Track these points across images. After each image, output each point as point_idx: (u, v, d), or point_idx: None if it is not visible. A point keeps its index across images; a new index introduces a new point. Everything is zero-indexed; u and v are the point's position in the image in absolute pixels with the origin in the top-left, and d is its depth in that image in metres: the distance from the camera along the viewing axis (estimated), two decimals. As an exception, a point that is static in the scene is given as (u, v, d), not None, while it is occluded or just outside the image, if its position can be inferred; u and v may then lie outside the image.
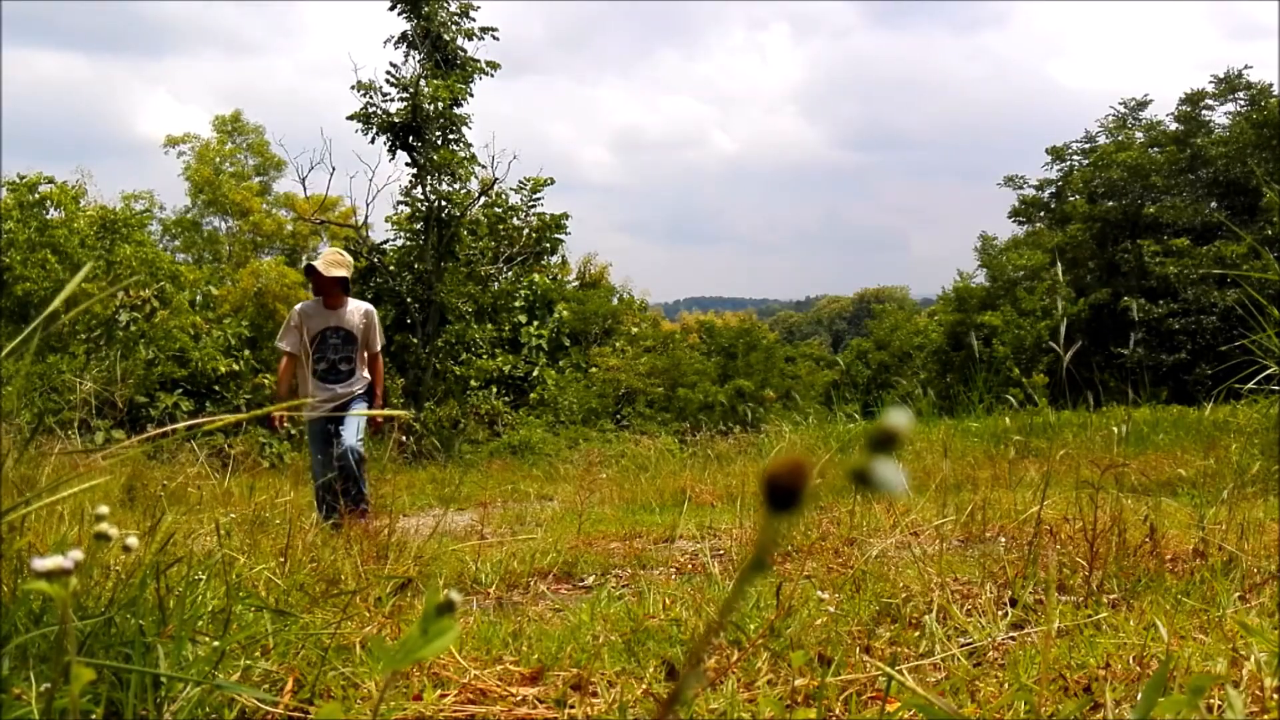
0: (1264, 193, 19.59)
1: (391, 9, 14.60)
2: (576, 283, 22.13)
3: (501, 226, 15.85)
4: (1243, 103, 22.73)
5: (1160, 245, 20.72)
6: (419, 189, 14.40)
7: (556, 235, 17.08)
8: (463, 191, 14.64)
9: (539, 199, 16.48)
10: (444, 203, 14.29)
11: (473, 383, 15.09)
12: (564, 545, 3.38)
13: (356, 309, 5.09)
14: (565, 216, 17.02)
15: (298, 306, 5.14)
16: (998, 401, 8.82)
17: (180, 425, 1.21)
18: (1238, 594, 1.71)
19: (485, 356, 15.54)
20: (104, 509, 0.78)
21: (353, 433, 4.80)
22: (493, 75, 14.72)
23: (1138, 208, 22.43)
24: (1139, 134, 24.00)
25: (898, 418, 0.36)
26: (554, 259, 18.83)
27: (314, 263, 5.13)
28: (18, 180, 13.24)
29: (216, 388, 13.36)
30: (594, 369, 17.69)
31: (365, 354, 5.12)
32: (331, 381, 4.99)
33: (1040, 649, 1.33)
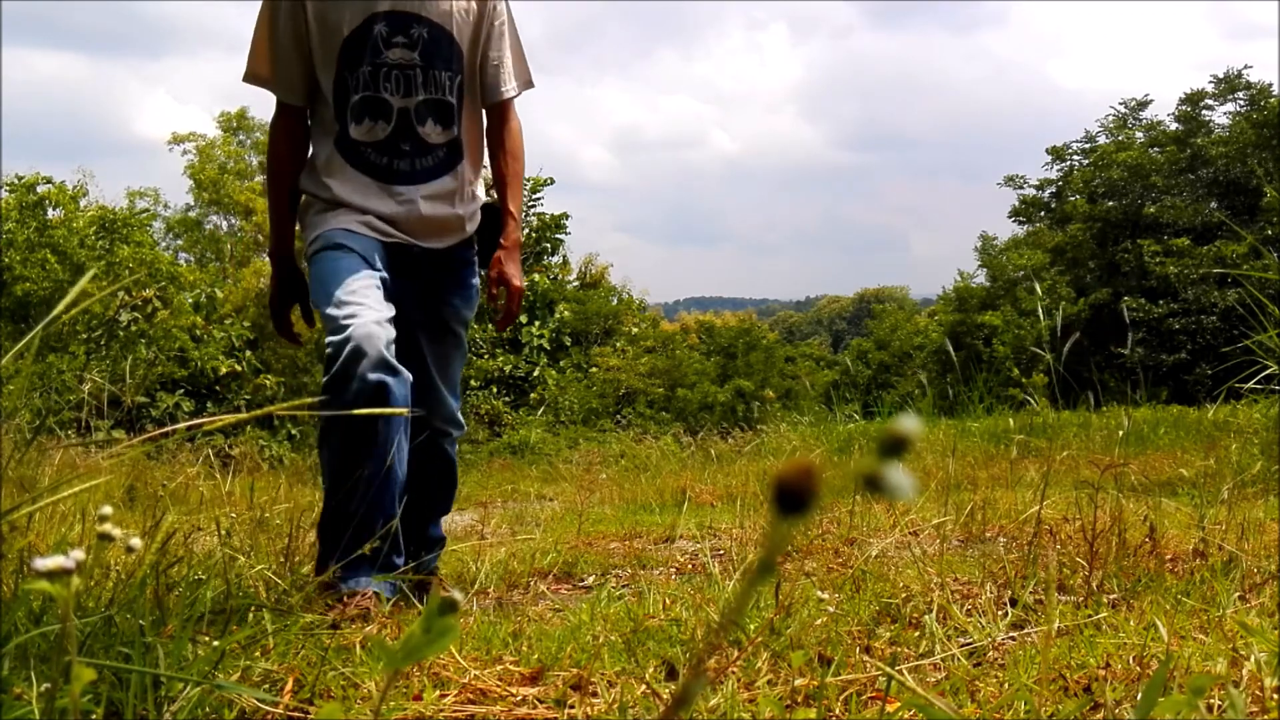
0: (1264, 192, 19.59)
1: (392, 9, 14.58)
2: (577, 283, 22.13)
3: (502, 226, 15.85)
4: (1243, 103, 22.73)
5: (1160, 245, 20.72)
6: (419, 189, 14.40)
7: (557, 235, 17.11)
8: (463, 191, 14.63)
9: (539, 199, 16.49)
10: (444, 203, 14.29)
11: (473, 383, 15.09)
12: (564, 545, 3.38)
13: None
14: (565, 216, 17.06)
15: None
16: (998, 401, 8.83)
17: (181, 426, 1.21)
18: (1238, 594, 1.71)
19: (485, 356, 15.54)
20: (107, 509, 0.78)
21: (454, 380, 2.38)
22: (493, 75, 14.69)
23: (1138, 208, 22.43)
24: (1139, 134, 24.00)
25: (908, 423, 0.36)
26: (554, 259, 18.85)
27: None
28: (16, 181, 13.25)
29: (218, 388, 13.37)
30: (594, 369, 17.69)
31: (478, 100, 2.27)
32: (399, 179, 2.17)
33: (1040, 649, 1.33)
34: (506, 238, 2.31)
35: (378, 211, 2.17)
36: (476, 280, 2.39)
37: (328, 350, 1.92)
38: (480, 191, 2.37)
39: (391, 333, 1.96)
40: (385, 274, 2.11)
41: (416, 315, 2.26)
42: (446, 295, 2.32)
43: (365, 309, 1.96)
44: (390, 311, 2.02)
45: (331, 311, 1.98)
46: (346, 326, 1.91)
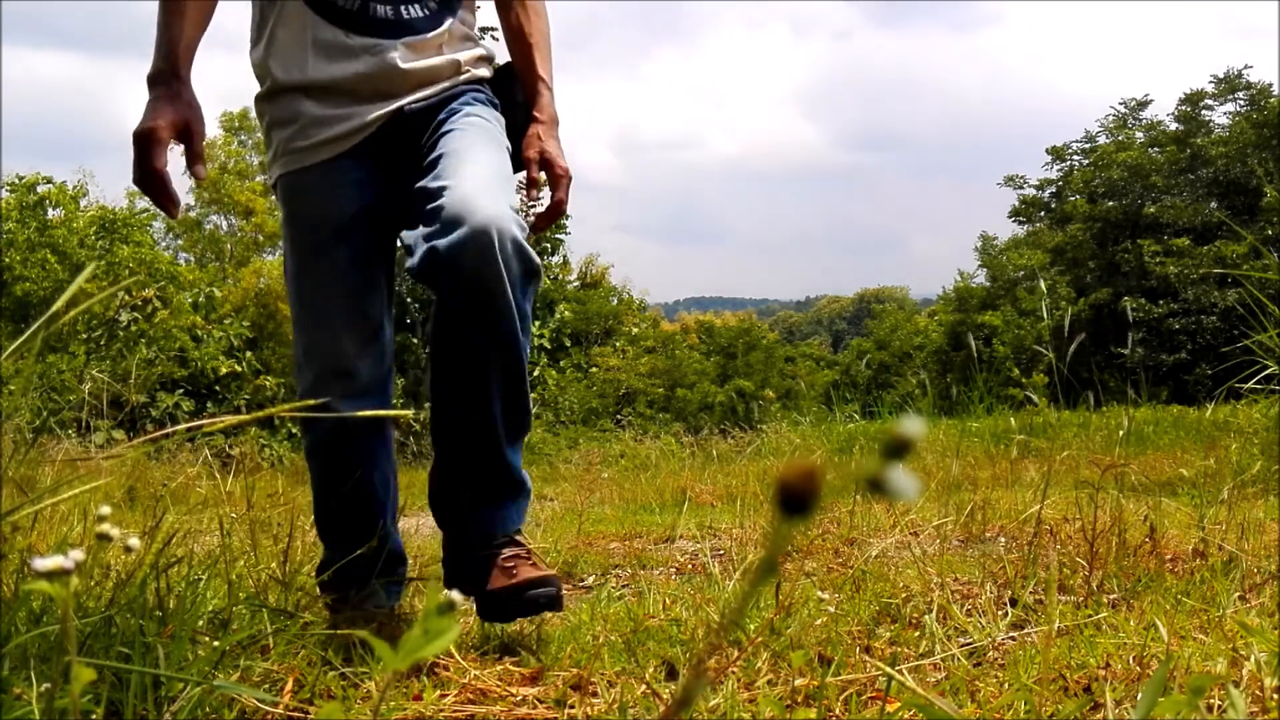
0: (1264, 192, 19.61)
1: (392, 9, 14.58)
2: (577, 283, 22.12)
3: (502, 226, 15.87)
4: (1243, 103, 22.75)
5: (1160, 245, 20.73)
6: (419, 189, 14.39)
7: (557, 235, 17.11)
8: (463, 191, 14.61)
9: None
10: (444, 203, 14.28)
11: (473, 383, 15.07)
12: (564, 545, 3.38)
13: None
14: (565, 216, 17.03)
15: None
16: (999, 401, 8.84)
17: (181, 427, 1.21)
18: (1238, 594, 1.71)
19: (485, 356, 15.53)
20: (106, 509, 0.78)
21: (484, 163, 1.59)
22: (493, 75, 14.70)
23: (1138, 208, 22.44)
24: (1139, 134, 24.01)
25: (911, 424, 0.36)
26: (555, 259, 18.84)
27: None
28: (17, 181, 13.26)
29: (217, 388, 13.37)
30: (594, 369, 17.69)
31: None
32: (375, 29, 1.65)
33: (1040, 649, 1.33)
34: (541, 111, 1.80)
35: (336, 81, 1.65)
36: (483, 108, 1.74)
37: (306, 432, 1.80)
38: (485, 43, 1.85)
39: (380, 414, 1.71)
40: (368, 248, 1.70)
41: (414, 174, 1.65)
42: (448, 109, 1.70)
43: (347, 380, 1.68)
44: (384, 361, 1.75)
45: (309, 379, 1.70)
46: (331, 417, 1.66)
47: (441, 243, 1.47)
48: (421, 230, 1.53)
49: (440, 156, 1.59)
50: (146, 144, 1.55)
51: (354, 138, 1.67)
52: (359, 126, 1.67)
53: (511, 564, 1.56)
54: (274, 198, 1.81)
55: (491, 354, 1.56)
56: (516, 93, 1.84)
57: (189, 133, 1.58)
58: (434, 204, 1.50)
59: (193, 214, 24.52)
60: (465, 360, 1.58)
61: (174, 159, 1.59)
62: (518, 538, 1.62)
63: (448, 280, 1.51)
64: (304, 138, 1.68)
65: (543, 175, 1.79)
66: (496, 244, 1.47)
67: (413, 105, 1.69)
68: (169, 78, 1.60)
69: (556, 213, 1.81)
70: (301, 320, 1.73)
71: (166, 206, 1.58)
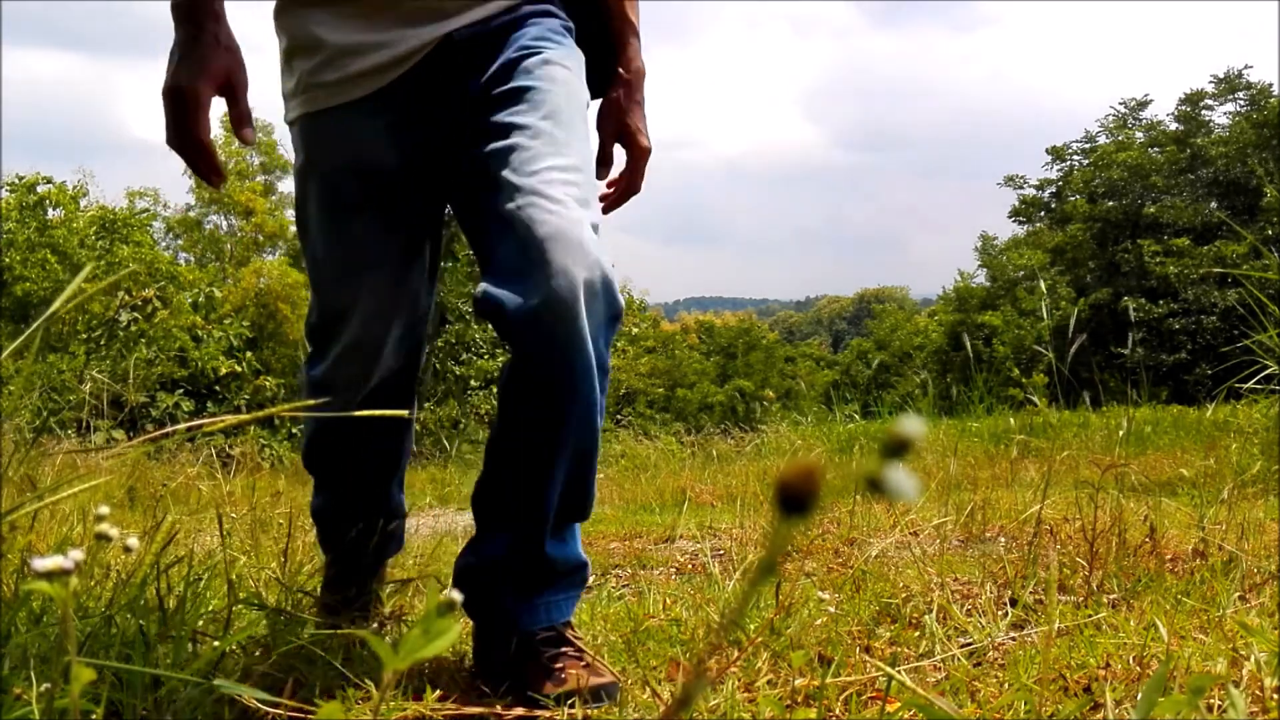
0: (1264, 192, 19.62)
1: (392, 9, 14.57)
2: (577, 283, 22.11)
3: (502, 226, 15.86)
4: (1243, 103, 22.78)
5: (1160, 245, 20.76)
6: (419, 189, 14.39)
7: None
8: (463, 191, 14.62)
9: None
10: (444, 203, 14.29)
11: (473, 383, 15.10)
12: (564, 545, 3.37)
13: None
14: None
15: None
16: (998, 401, 8.85)
17: (181, 426, 1.20)
18: (1238, 594, 1.71)
19: (485, 357, 15.55)
20: (104, 509, 0.78)
21: (575, 183, 1.28)
22: (493, 75, 14.69)
23: (1138, 208, 22.47)
24: (1139, 134, 24.04)
25: (911, 424, 0.36)
26: (554, 259, 18.87)
27: None
28: (16, 181, 13.28)
29: (217, 388, 13.38)
30: (594, 369, 17.70)
31: None
32: None
33: (1040, 649, 1.33)
34: (628, 65, 1.50)
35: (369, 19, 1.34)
36: (560, 39, 1.42)
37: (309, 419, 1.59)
38: None
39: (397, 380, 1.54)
40: (395, 205, 1.42)
41: (466, 128, 1.36)
42: (509, 50, 1.38)
43: (373, 358, 1.47)
44: (415, 336, 1.53)
45: (332, 355, 1.48)
46: (337, 388, 1.47)
47: (515, 283, 1.20)
48: (488, 249, 1.27)
49: (512, 130, 1.30)
50: (184, 106, 1.29)
51: (392, 71, 1.36)
52: (398, 57, 1.35)
53: (558, 663, 1.26)
54: (291, 138, 1.52)
55: (562, 422, 1.27)
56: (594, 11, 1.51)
57: (232, 88, 1.31)
58: (505, 212, 1.23)
59: (193, 214, 24.52)
60: (530, 423, 1.31)
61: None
62: (565, 631, 1.33)
63: (520, 331, 1.22)
64: (332, 70, 1.37)
65: (619, 150, 1.51)
66: (583, 289, 1.19)
67: (464, 31, 1.36)
68: (202, 14, 1.30)
69: (627, 195, 1.53)
70: (322, 286, 1.47)
71: (209, 177, 1.35)
